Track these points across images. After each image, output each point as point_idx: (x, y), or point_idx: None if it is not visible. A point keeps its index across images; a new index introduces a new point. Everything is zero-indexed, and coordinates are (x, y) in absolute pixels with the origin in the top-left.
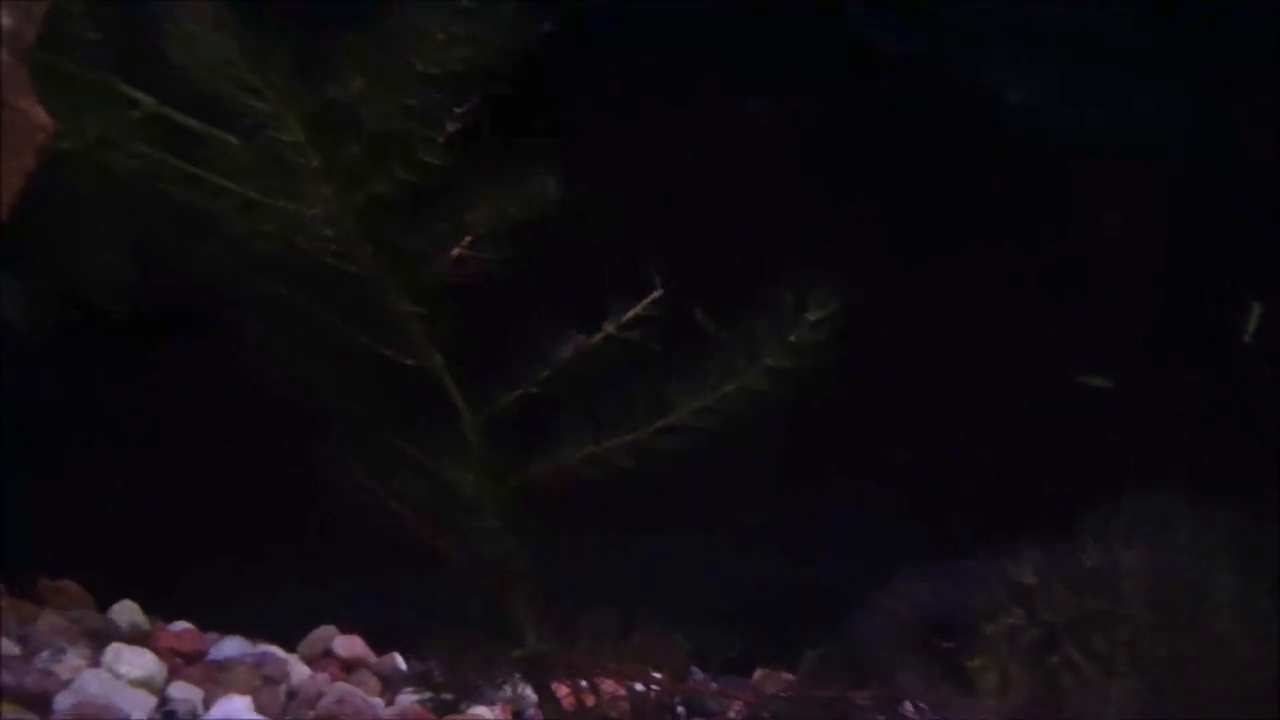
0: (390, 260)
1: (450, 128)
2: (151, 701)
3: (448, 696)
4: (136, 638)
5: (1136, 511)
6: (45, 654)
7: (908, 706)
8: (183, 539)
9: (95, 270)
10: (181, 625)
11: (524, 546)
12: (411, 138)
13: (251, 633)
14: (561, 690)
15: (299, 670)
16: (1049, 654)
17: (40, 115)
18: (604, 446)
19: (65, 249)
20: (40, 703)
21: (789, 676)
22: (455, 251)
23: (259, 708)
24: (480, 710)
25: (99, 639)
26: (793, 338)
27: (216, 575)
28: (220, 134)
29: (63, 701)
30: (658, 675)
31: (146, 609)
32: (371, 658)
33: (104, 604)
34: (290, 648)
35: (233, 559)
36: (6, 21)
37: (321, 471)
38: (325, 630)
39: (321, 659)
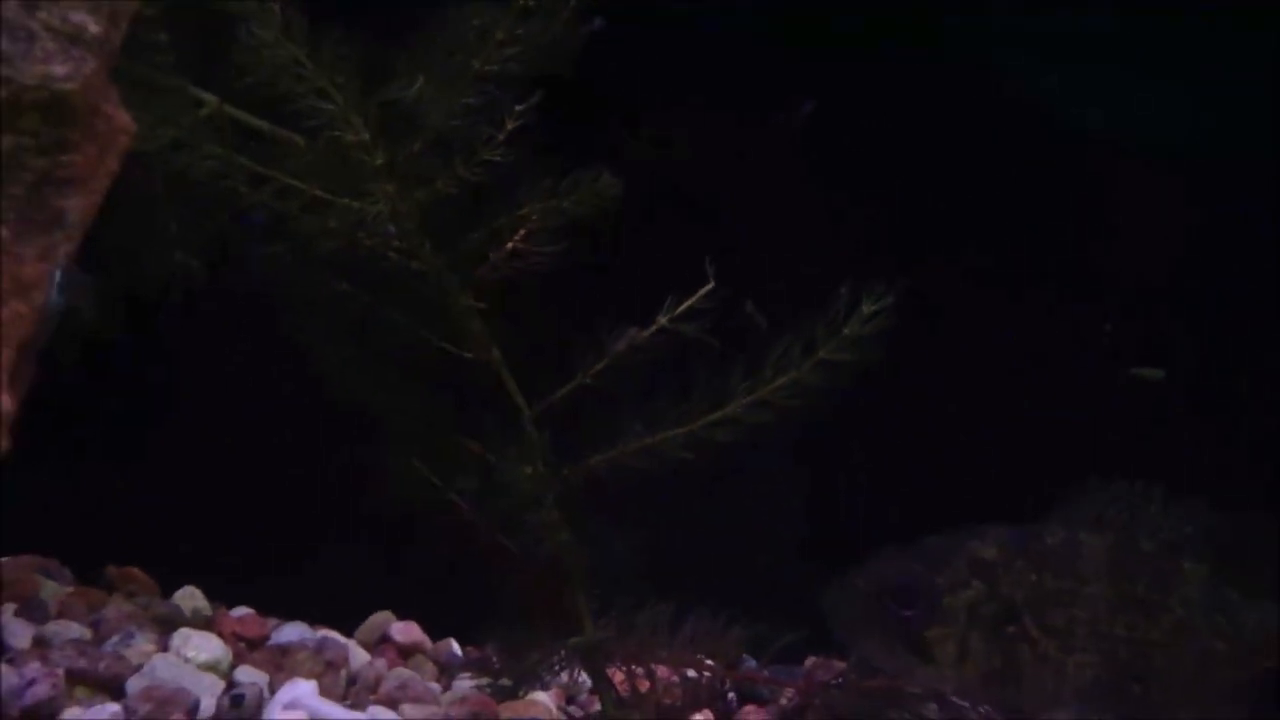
0: (451, 256)
1: (510, 125)
2: (220, 685)
3: (506, 682)
4: (200, 623)
5: (1106, 496)
6: (115, 639)
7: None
8: (244, 527)
9: (165, 268)
10: (243, 610)
11: (581, 538)
12: (473, 136)
13: (310, 618)
14: (616, 677)
15: (358, 655)
16: (1007, 627)
17: (124, 119)
18: (660, 438)
19: (136, 247)
20: (113, 687)
21: (841, 665)
22: (509, 245)
23: (322, 692)
24: (538, 696)
25: (166, 624)
26: (847, 331)
27: (276, 562)
28: (287, 133)
29: (134, 685)
30: (710, 662)
31: (208, 595)
32: (428, 644)
33: (167, 590)
34: (348, 633)
35: (292, 547)
36: (94, 28)
37: (381, 465)
38: (382, 616)
39: (379, 645)
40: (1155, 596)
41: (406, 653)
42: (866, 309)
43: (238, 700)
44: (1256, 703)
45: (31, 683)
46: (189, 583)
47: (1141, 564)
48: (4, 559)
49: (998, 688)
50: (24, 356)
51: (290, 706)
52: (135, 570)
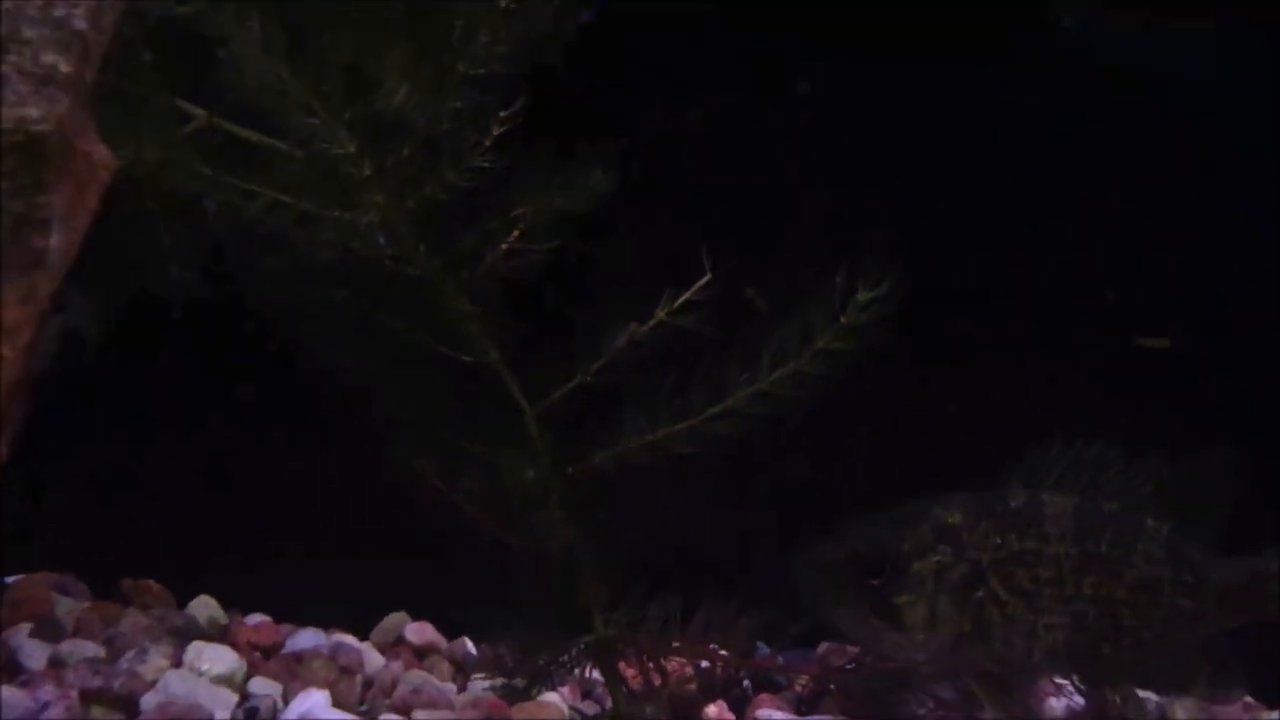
0: (445, 260)
1: (497, 129)
2: (234, 698)
3: (520, 683)
4: (215, 632)
5: (1067, 457)
6: (130, 654)
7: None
8: (255, 533)
9: (162, 282)
10: (258, 618)
11: (588, 534)
12: (460, 140)
13: (325, 622)
14: (629, 671)
15: (373, 659)
16: (974, 591)
17: (103, 154)
18: (662, 433)
19: (132, 262)
20: (127, 704)
21: (854, 650)
22: (504, 245)
23: (337, 699)
24: (550, 696)
25: (181, 636)
26: (844, 319)
27: (288, 567)
28: (273, 143)
29: (149, 702)
30: (724, 652)
31: (223, 603)
32: (443, 643)
33: (182, 599)
34: (363, 635)
35: (304, 551)
36: (65, 68)
37: (387, 467)
38: (396, 617)
39: (394, 646)
40: (1119, 554)
41: (421, 653)
42: (863, 296)
43: (251, 714)
44: (1223, 657)
45: (46, 706)
46: (204, 590)
47: (1104, 523)
48: (18, 577)
49: (968, 651)
50: (12, 398)
51: (303, 717)
52: (150, 582)
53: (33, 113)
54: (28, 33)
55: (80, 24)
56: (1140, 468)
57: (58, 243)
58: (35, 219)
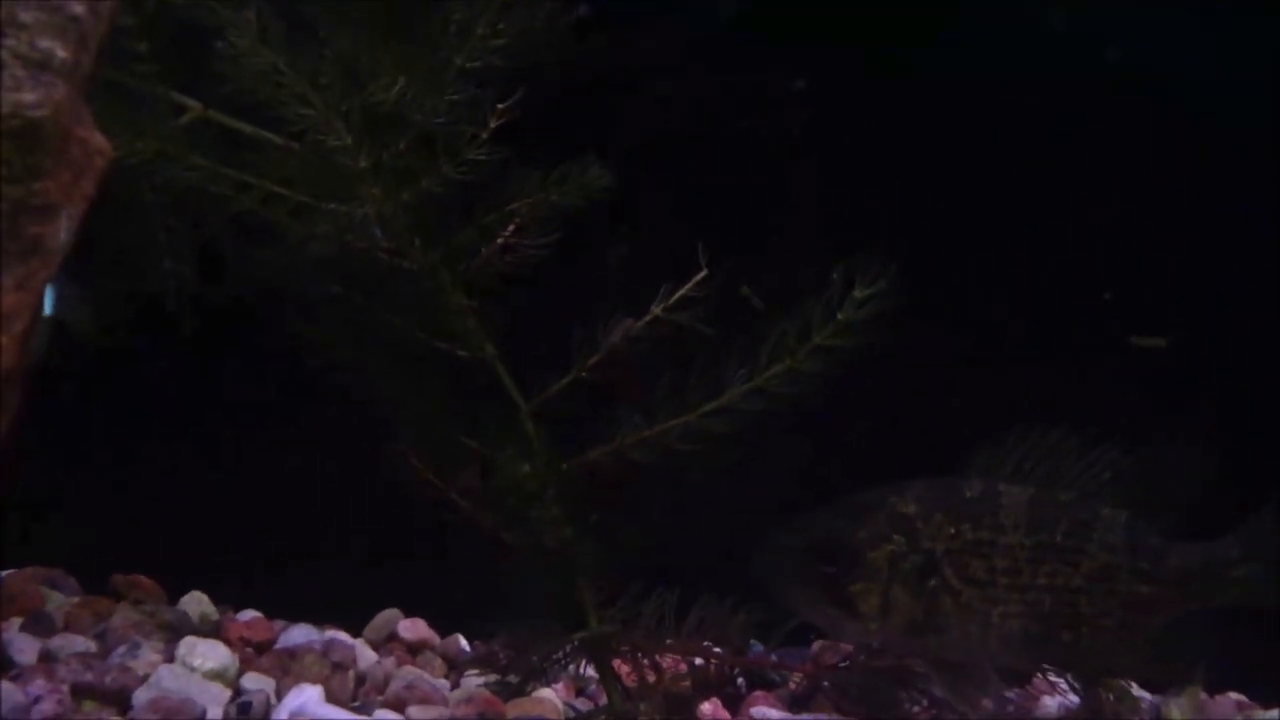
0: (442, 255)
1: (493, 123)
2: (226, 694)
3: (513, 679)
4: (207, 628)
5: (1024, 447)
6: (122, 649)
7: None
8: (247, 529)
9: (156, 276)
10: (250, 614)
11: (583, 531)
12: (457, 134)
13: (318, 618)
14: (624, 668)
15: (366, 655)
16: (928, 579)
17: (99, 140)
18: (658, 429)
19: (126, 256)
20: (119, 699)
21: (847, 647)
22: (500, 239)
23: (330, 695)
24: (544, 693)
25: (173, 632)
26: (841, 316)
27: (280, 563)
28: (269, 136)
29: (141, 697)
30: (718, 649)
31: (215, 599)
32: (436, 639)
33: (173, 595)
34: (356, 632)
35: (297, 548)
36: (62, 54)
37: (381, 463)
38: (390, 614)
39: (387, 643)
40: (1075, 543)
41: (414, 650)
42: (859, 294)
43: (244, 709)
44: (1181, 643)
45: (37, 700)
46: (195, 586)
47: (1060, 513)
48: (9, 571)
49: (922, 639)
50: (7, 386)
51: (296, 713)
52: (141, 577)
53: (29, 98)
54: (24, 17)
55: (78, 9)
56: (1098, 457)
57: (54, 230)
58: (32, 205)
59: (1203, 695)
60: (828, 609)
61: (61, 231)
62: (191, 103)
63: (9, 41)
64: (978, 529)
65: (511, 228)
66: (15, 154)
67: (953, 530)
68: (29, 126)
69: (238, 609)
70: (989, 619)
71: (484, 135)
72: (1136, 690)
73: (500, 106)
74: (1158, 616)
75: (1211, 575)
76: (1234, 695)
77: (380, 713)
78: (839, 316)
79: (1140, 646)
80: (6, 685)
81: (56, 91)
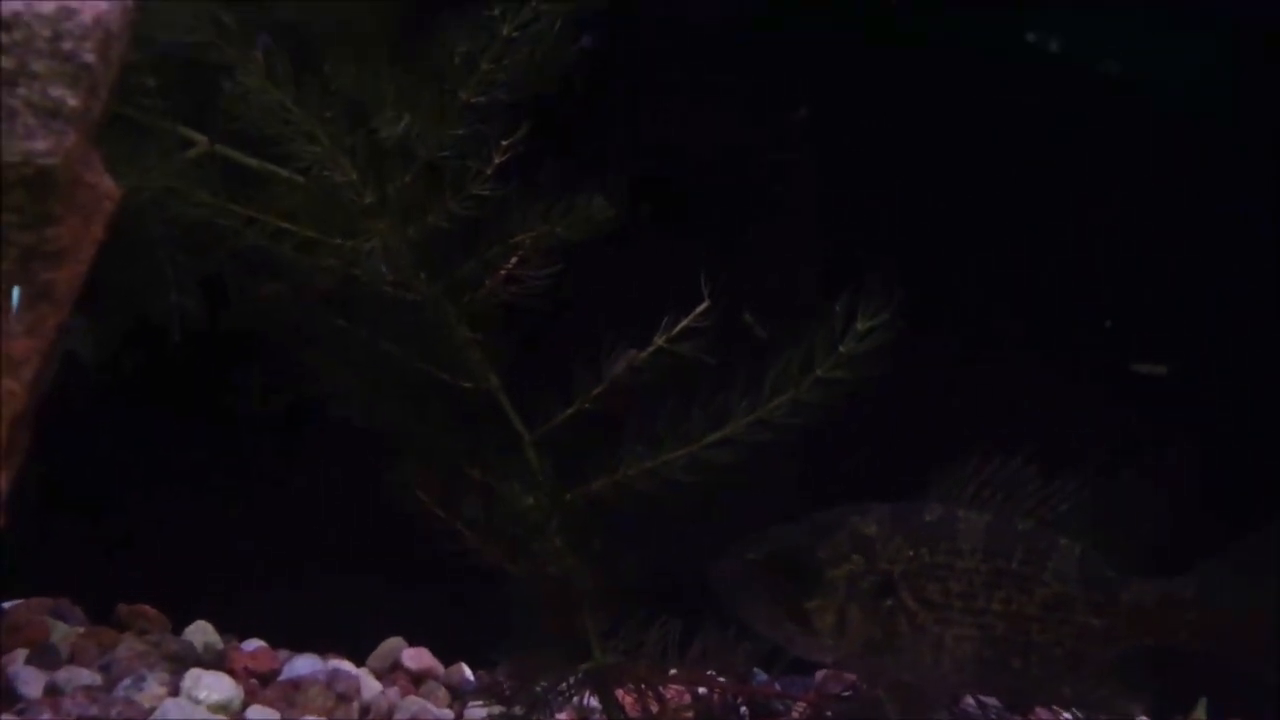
0: (446, 287)
1: (499, 157)
2: None
3: (518, 711)
4: (212, 658)
5: (984, 474)
6: (127, 682)
7: (969, 702)
8: (252, 556)
9: (163, 308)
10: (255, 644)
11: (587, 562)
12: (462, 168)
13: (321, 647)
14: (627, 698)
15: (370, 685)
16: (885, 600)
17: (107, 185)
18: (661, 460)
19: (132, 288)
20: None
21: (851, 676)
22: (504, 271)
23: None
24: None
25: (178, 662)
26: (843, 349)
27: (284, 591)
28: (275, 169)
29: None
30: (721, 679)
31: (220, 628)
32: (440, 669)
33: (178, 625)
34: (360, 661)
35: (301, 576)
36: (73, 101)
37: (385, 491)
38: (394, 642)
39: (391, 672)
40: (1030, 571)
41: (418, 679)
42: (862, 325)
43: None
44: (1130, 678)
45: None
46: (200, 614)
47: (1016, 540)
48: (15, 602)
49: (876, 658)
50: (18, 430)
51: None
52: (146, 607)
53: (40, 146)
54: (36, 66)
55: (89, 57)
56: (1056, 487)
57: (64, 275)
58: (42, 251)
59: None
60: (784, 624)
61: (71, 277)
62: (198, 137)
63: (21, 90)
64: (935, 553)
65: (515, 259)
66: (26, 201)
67: (911, 553)
68: (40, 174)
69: (242, 637)
70: (943, 641)
71: (489, 169)
72: None
73: (505, 142)
74: (1108, 649)
75: (1163, 613)
76: None
77: None
78: (841, 349)
79: (1088, 677)
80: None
81: (67, 139)
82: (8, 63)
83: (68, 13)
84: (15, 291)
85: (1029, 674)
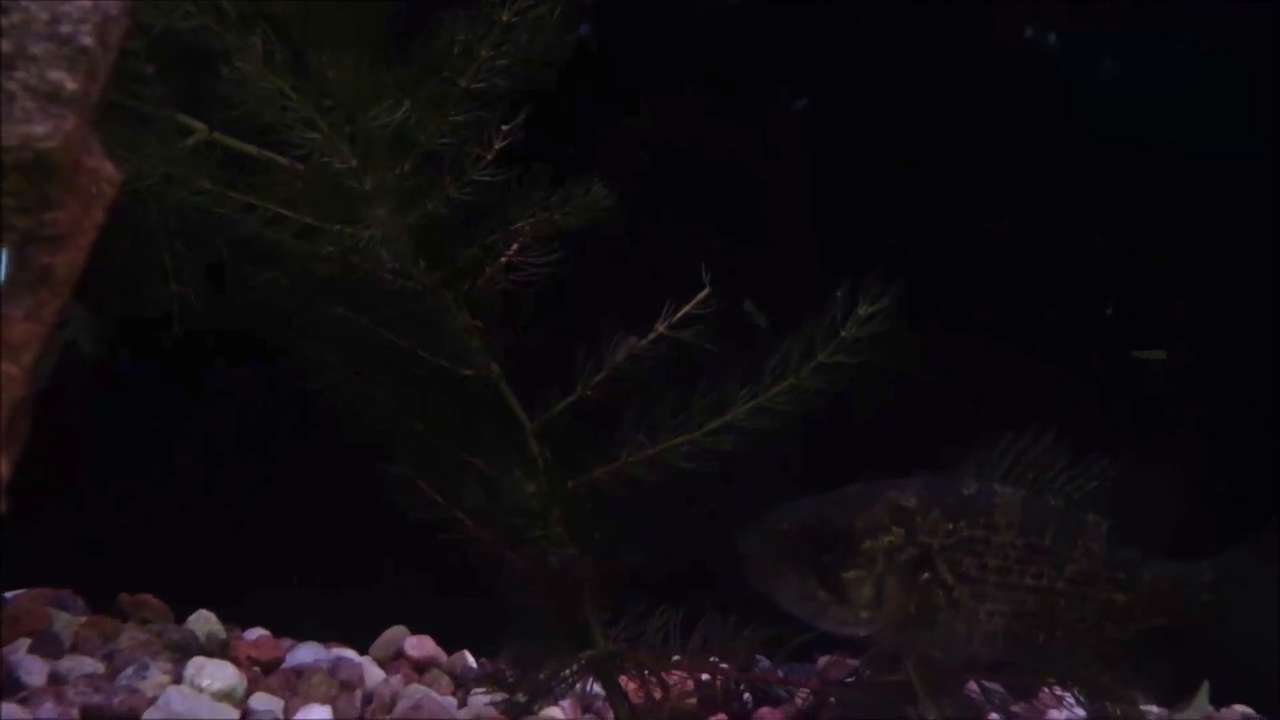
0: (446, 274)
1: (498, 144)
2: (235, 715)
3: (521, 698)
4: (214, 647)
5: (1016, 450)
6: (130, 670)
7: (972, 688)
8: (253, 545)
9: (162, 298)
10: (257, 632)
11: (588, 550)
12: (462, 155)
13: (323, 636)
14: (630, 684)
15: (373, 674)
16: (921, 573)
17: (108, 169)
18: (662, 448)
19: (132, 278)
20: None
21: (854, 663)
22: (504, 258)
23: (337, 715)
24: (551, 711)
25: (180, 651)
26: (845, 333)
27: (287, 580)
28: (274, 157)
29: (150, 718)
30: (724, 665)
31: (222, 617)
32: (443, 657)
33: (180, 614)
34: (362, 649)
35: (303, 565)
36: (71, 85)
37: (387, 484)
38: (396, 631)
39: (394, 660)
40: (1060, 548)
41: (421, 667)
42: (863, 310)
43: None
44: (1142, 660)
45: None
46: (201, 603)
47: (1049, 516)
48: (18, 592)
49: (911, 631)
50: (17, 416)
51: None
52: (148, 597)
53: (39, 130)
54: (34, 49)
55: (87, 40)
56: (1086, 465)
57: (63, 260)
58: (42, 236)
59: (1210, 708)
60: (817, 596)
61: (71, 262)
62: (197, 125)
63: (19, 74)
64: (973, 526)
65: (515, 247)
66: (25, 185)
67: (949, 526)
68: (39, 158)
69: (244, 627)
70: (976, 616)
71: (488, 156)
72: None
73: (504, 128)
74: (1128, 626)
75: (1181, 596)
76: (1240, 708)
77: None
78: (842, 334)
79: (1106, 654)
80: (16, 709)
81: (66, 123)
82: (5, 46)
83: None
84: (3, 254)
85: (1050, 648)
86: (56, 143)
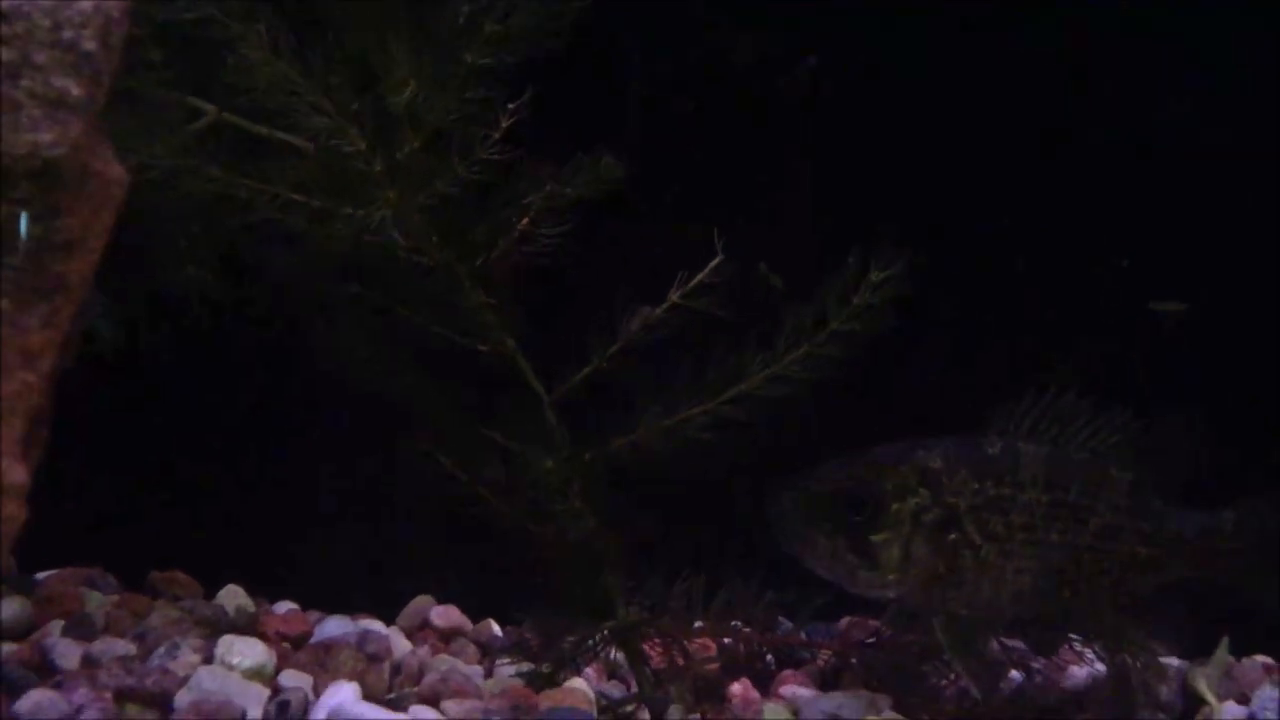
0: (459, 251)
1: (505, 121)
2: (265, 693)
3: (545, 669)
4: (244, 622)
5: (1039, 407)
6: (161, 650)
7: (993, 646)
8: (280, 517)
9: (179, 281)
10: (286, 606)
11: (608, 522)
12: (469, 132)
13: (350, 607)
14: (653, 651)
15: (400, 644)
16: (949, 533)
17: (116, 172)
18: (679, 418)
19: (148, 264)
20: (161, 702)
21: (875, 623)
22: (516, 230)
23: (366, 690)
24: (576, 682)
25: (211, 627)
26: (857, 300)
27: (313, 551)
28: (285, 137)
29: (182, 699)
30: (746, 629)
31: (250, 591)
32: (468, 625)
33: (210, 588)
34: (389, 620)
35: (330, 536)
36: (77, 91)
37: (408, 461)
38: (422, 600)
39: (420, 630)
40: (1086, 502)
41: (447, 637)
42: (875, 276)
43: (283, 708)
44: (1164, 614)
45: (81, 709)
46: (231, 579)
47: (1073, 471)
48: (49, 573)
49: (939, 592)
50: (37, 422)
51: (334, 712)
52: (178, 573)
53: (46, 138)
54: (38, 57)
55: (90, 45)
56: (1107, 419)
57: (76, 266)
58: (54, 243)
59: (1230, 659)
60: (845, 558)
61: (84, 267)
62: (207, 106)
63: (24, 82)
64: (999, 485)
65: (526, 220)
66: (35, 193)
67: (976, 486)
68: (47, 165)
69: (273, 599)
70: (1004, 574)
71: (496, 134)
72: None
73: (511, 105)
74: (1151, 579)
75: (1204, 545)
76: (1261, 658)
77: (415, 708)
78: (855, 301)
79: (1129, 607)
80: (51, 694)
81: (73, 129)
82: (9, 55)
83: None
84: (23, 218)
85: (1077, 602)
86: (64, 150)
